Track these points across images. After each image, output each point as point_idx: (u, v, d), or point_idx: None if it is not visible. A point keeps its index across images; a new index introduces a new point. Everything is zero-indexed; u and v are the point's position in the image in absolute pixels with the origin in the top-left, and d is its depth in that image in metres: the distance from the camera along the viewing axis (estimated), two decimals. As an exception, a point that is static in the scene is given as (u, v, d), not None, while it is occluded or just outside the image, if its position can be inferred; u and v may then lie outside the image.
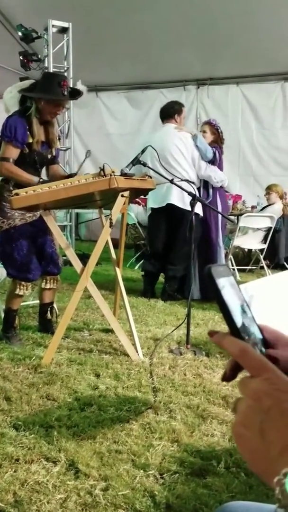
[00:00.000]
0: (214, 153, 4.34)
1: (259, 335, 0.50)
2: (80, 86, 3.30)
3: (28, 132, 2.96)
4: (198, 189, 4.34)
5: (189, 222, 3.12)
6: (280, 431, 0.39)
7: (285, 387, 0.41)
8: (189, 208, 4.44)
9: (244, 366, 0.44)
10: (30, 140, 2.98)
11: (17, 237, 3.01)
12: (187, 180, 3.36)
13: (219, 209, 4.36)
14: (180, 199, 4.33)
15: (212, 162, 4.34)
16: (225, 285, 0.47)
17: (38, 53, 6.18)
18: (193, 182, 3.77)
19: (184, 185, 3.26)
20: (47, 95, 2.94)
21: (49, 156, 3.15)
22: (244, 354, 0.44)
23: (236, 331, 0.46)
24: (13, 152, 2.94)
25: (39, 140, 3.02)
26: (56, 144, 3.18)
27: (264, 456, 0.40)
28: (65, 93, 2.98)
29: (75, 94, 3.16)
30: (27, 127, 2.95)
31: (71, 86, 3.41)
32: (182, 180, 3.29)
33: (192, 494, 1.60)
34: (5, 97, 3.14)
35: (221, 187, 4.49)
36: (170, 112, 4.56)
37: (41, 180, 2.99)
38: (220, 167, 4.48)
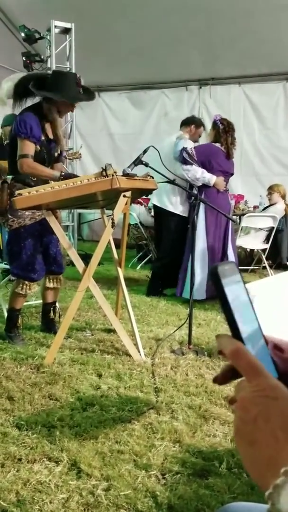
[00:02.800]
0: (181, 152, 4.17)
1: (260, 336, 0.49)
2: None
3: (41, 129, 2.97)
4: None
5: (191, 223, 3.12)
6: (265, 441, 0.38)
7: (272, 392, 0.40)
8: (167, 208, 4.52)
9: (235, 367, 0.44)
10: (42, 138, 2.99)
11: (26, 237, 3.02)
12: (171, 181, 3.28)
13: (203, 210, 4.30)
14: (160, 199, 4.44)
15: (185, 161, 4.19)
16: (230, 284, 0.46)
17: (40, 54, 6.19)
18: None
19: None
20: (68, 96, 2.95)
21: (56, 154, 3.16)
22: (236, 355, 0.43)
23: (237, 331, 0.45)
24: (31, 148, 2.93)
25: (49, 137, 3.03)
26: (62, 142, 3.18)
27: (256, 468, 0.39)
28: (81, 91, 3.00)
29: (88, 92, 3.17)
30: (39, 124, 2.96)
31: None
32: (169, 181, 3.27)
33: (194, 495, 1.60)
34: (3, 87, 3.12)
35: (209, 186, 4.26)
36: (188, 120, 4.66)
37: (63, 173, 2.99)
38: (209, 166, 4.27)
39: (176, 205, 4.51)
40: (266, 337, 0.51)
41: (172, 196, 4.47)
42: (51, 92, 2.97)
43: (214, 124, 4.40)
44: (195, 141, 4.67)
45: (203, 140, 4.88)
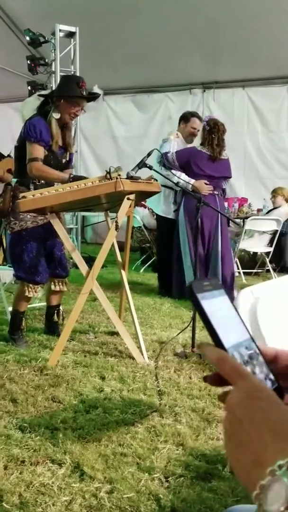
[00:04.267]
0: (162, 156, 4.00)
1: (248, 350, 0.48)
2: (96, 89, 3.35)
3: (49, 134, 2.99)
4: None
5: (195, 226, 3.12)
6: (251, 441, 0.38)
7: (257, 393, 0.41)
8: (159, 213, 4.60)
9: (222, 374, 0.44)
10: (50, 142, 3.01)
11: (28, 240, 3.03)
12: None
13: (181, 213, 4.31)
14: (156, 204, 4.52)
15: (164, 166, 4.02)
16: (208, 298, 0.47)
17: (45, 57, 6.24)
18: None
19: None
20: (66, 93, 2.98)
21: (64, 160, 3.17)
22: (221, 362, 0.44)
23: (219, 341, 0.46)
24: (41, 152, 2.96)
25: (57, 143, 3.04)
26: (71, 149, 3.20)
27: (242, 469, 0.38)
28: (84, 93, 3.02)
29: (92, 95, 3.20)
30: (48, 129, 2.98)
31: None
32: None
33: (197, 498, 1.59)
34: (24, 105, 3.19)
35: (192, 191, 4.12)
36: (179, 118, 4.66)
37: (72, 176, 3.00)
38: (189, 170, 4.21)
39: (159, 206, 4.57)
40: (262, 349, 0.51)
41: (158, 198, 4.45)
42: (51, 92, 3.02)
43: (203, 126, 4.33)
44: (190, 137, 4.55)
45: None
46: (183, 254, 4.35)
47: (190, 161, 4.23)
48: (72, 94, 2.97)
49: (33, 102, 3.15)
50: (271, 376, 0.48)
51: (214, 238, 4.29)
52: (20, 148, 3.05)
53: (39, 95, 3.15)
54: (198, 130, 4.50)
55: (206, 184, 4.22)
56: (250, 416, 0.39)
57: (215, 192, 4.28)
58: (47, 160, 3.02)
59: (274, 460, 0.35)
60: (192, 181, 4.18)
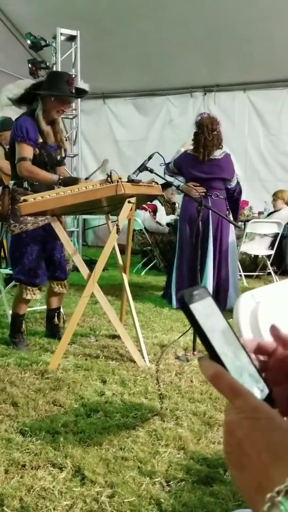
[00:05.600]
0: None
1: (240, 357, 0.48)
2: (82, 84, 3.33)
3: (37, 132, 2.98)
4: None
5: (195, 228, 3.12)
6: (252, 465, 0.37)
7: (256, 413, 0.40)
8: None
9: (218, 391, 0.43)
10: (40, 140, 3.00)
11: (28, 242, 3.03)
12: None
13: (179, 218, 4.32)
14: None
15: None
16: (200, 309, 0.46)
17: (46, 61, 6.24)
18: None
19: None
20: (55, 92, 2.96)
21: (59, 157, 3.17)
22: (217, 379, 0.43)
23: (213, 352, 0.45)
24: (29, 151, 2.95)
25: (51, 139, 3.04)
26: (65, 145, 3.19)
27: (246, 492, 0.38)
28: (73, 91, 3.01)
29: (81, 93, 3.19)
30: (36, 127, 2.98)
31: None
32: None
33: (199, 502, 1.59)
34: (2, 94, 3.12)
35: (184, 194, 4.12)
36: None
37: (62, 177, 3.00)
38: (183, 175, 4.25)
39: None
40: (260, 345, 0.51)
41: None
42: (39, 89, 3.00)
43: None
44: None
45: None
46: (175, 259, 4.34)
47: (182, 166, 4.24)
48: (62, 92, 2.96)
49: (12, 90, 3.05)
50: (261, 385, 0.47)
51: (206, 241, 4.13)
52: (12, 150, 3.06)
53: (28, 90, 3.07)
54: None
55: (196, 186, 4.08)
56: (251, 438, 0.38)
57: (209, 193, 4.12)
58: (40, 158, 3.01)
59: (274, 485, 0.35)
60: (182, 185, 4.11)
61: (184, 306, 0.46)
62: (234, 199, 4.41)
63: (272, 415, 0.40)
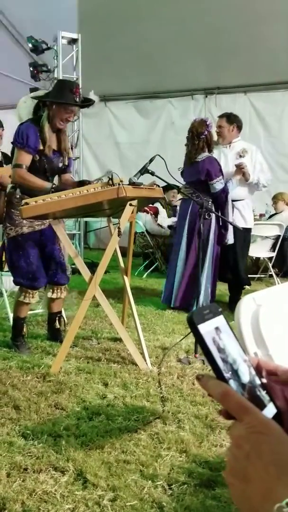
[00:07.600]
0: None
1: (247, 377, 0.48)
2: (92, 96, 3.35)
3: (39, 139, 2.99)
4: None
5: (197, 230, 3.12)
6: (258, 477, 0.38)
7: (263, 428, 0.41)
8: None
9: (226, 409, 0.44)
10: (41, 147, 3.01)
11: (24, 245, 3.03)
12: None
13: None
14: None
15: None
16: (209, 329, 0.47)
17: (47, 64, 6.27)
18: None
19: None
20: (58, 100, 2.98)
21: (61, 165, 3.17)
22: (225, 397, 0.44)
23: (219, 372, 0.46)
24: (26, 159, 2.97)
25: (51, 148, 3.04)
26: (69, 154, 3.20)
27: (248, 504, 0.39)
28: (77, 99, 3.02)
29: (86, 102, 3.20)
30: (39, 134, 2.99)
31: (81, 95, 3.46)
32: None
33: (201, 506, 1.59)
34: (19, 106, 3.19)
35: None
36: None
37: (54, 185, 3.00)
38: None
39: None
40: (260, 364, 0.51)
41: None
42: (43, 96, 3.02)
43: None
44: (218, 138, 4.54)
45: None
46: (171, 261, 4.33)
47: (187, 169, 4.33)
48: (65, 100, 2.97)
49: (29, 104, 3.13)
50: (268, 403, 0.47)
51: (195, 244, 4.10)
52: (13, 153, 3.08)
53: (33, 98, 3.13)
54: (222, 128, 4.45)
55: (186, 188, 4.14)
56: (258, 451, 0.39)
57: (193, 196, 3.90)
58: (40, 165, 3.02)
59: (283, 496, 0.36)
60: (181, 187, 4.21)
61: (193, 327, 0.46)
62: (218, 203, 4.15)
63: (279, 431, 0.41)
